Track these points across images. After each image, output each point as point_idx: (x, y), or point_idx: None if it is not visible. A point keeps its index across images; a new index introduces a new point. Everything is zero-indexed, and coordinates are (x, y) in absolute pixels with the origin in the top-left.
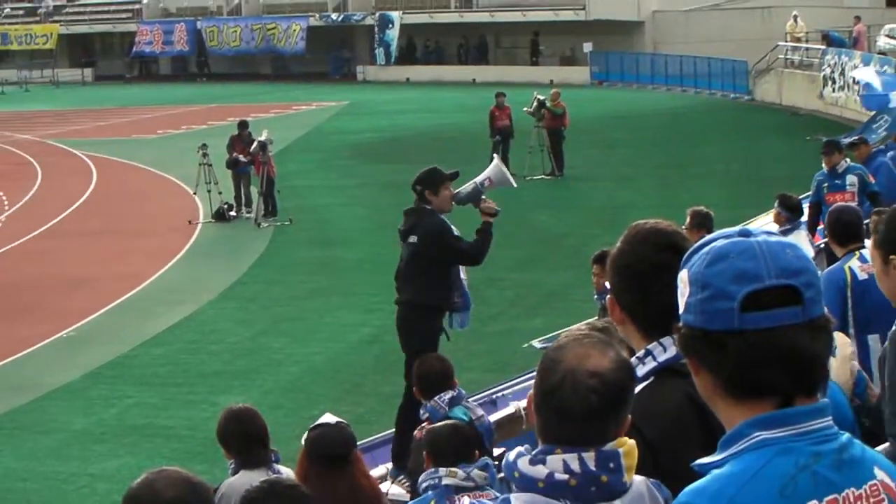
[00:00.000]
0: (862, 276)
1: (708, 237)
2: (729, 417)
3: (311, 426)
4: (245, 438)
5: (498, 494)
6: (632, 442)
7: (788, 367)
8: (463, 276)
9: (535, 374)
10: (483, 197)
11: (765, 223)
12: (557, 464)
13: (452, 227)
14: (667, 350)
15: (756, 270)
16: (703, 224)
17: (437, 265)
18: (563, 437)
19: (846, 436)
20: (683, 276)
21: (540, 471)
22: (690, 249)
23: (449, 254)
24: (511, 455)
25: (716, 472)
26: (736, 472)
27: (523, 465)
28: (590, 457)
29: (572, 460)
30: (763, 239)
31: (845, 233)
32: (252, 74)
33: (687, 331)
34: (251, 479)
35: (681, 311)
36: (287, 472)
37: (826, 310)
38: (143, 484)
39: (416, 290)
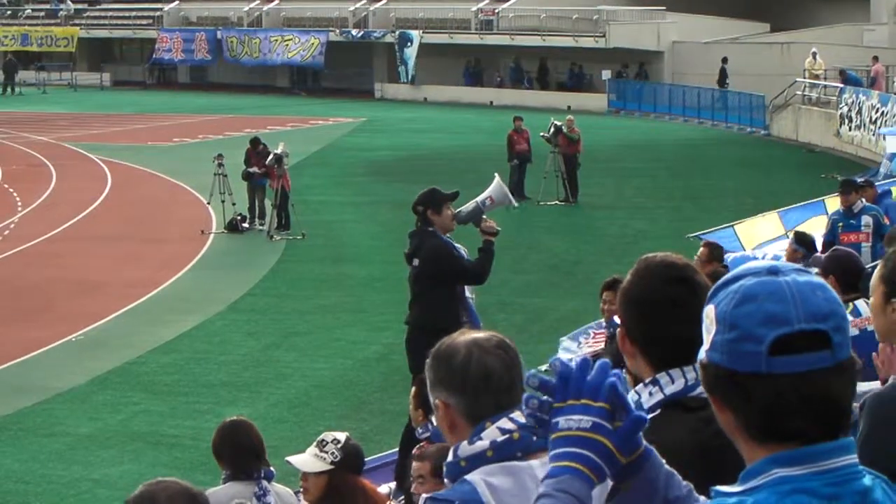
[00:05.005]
0: (852, 331)
1: (736, 272)
2: (751, 456)
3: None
4: (238, 450)
5: None
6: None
7: (815, 414)
8: (469, 294)
9: (436, 379)
10: (484, 217)
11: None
12: (494, 432)
13: (458, 245)
14: (674, 382)
15: (785, 314)
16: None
17: (441, 286)
18: (489, 406)
19: (869, 477)
20: (710, 311)
21: (482, 444)
22: (718, 283)
23: (451, 274)
24: (449, 456)
25: (729, 502)
26: None
27: (464, 450)
28: (517, 414)
29: (505, 423)
30: (793, 279)
31: (847, 282)
32: (269, 87)
33: (713, 369)
34: (237, 490)
35: (706, 346)
36: (279, 490)
37: (853, 352)
38: (144, 494)
39: (421, 311)
